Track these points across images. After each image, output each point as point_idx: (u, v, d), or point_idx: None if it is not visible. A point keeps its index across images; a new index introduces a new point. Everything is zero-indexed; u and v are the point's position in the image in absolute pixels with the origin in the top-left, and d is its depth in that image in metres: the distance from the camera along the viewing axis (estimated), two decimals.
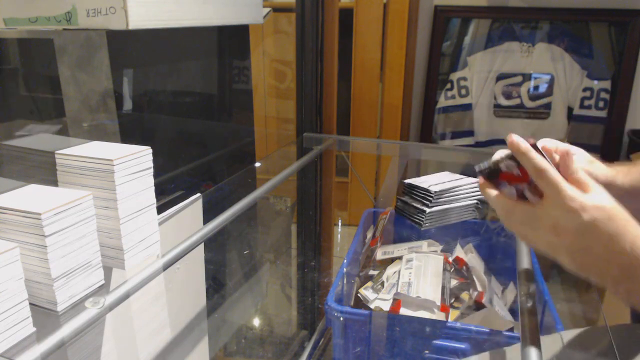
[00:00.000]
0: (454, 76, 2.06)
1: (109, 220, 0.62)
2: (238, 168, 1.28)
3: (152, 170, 0.66)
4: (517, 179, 0.56)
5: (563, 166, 0.56)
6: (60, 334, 0.55)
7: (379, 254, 1.18)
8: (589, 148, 2.06)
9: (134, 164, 0.62)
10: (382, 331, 0.94)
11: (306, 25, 1.45)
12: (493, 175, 0.58)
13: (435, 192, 1.11)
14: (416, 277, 1.02)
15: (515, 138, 0.55)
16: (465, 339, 0.86)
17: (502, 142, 2.08)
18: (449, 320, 0.93)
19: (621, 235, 0.49)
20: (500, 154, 0.59)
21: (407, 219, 1.17)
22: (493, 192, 0.58)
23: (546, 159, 0.54)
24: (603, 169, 0.63)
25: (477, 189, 1.17)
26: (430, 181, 1.16)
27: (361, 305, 1.05)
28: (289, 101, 2.26)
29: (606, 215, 0.50)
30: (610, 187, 0.60)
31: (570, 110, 1.99)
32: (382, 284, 1.07)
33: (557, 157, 0.58)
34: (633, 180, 0.64)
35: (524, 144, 0.54)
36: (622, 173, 0.64)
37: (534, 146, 0.55)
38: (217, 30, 1.16)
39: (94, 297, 0.59)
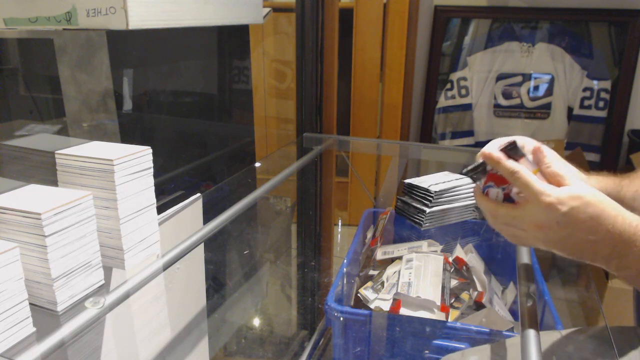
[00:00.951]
0: (454, 76, 2.06)
1: (109, 220, 0.62)
2: (238, 168, 1.28)
3: (152, 170, 0.66)
4: (503, 180, 0.58)
5: (537, 162, 0.59)
6: (60, 334, 0.55)
7: (379, 254, 1.18)
8: (589, 148, 2.07)
9: (134, 164, 0.62)
10: (382, 331, 0.94)
11: (306, 25, 1.45)
12: (479, 176, 0.60)
13: (435, 192, 1.11)
14: (416, 277, 1.02)
15: (487, 150, 0.59)
16: (465, 339, 0.86)
17: None
18: (449, 320, 0.93)
19: (601, 217, 0.52)
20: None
21: (407, 219, 1.17)
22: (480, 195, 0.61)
23: (523, 157, 0.58)
24: (575, 173, 0.65)
25: None
26: (430, 181, 1.15)
27: (361, 305, 1.05)
28: (289, 101, 2.26)
29: (583, 202, 0.52)
30: None
31: (570, 110, 1.99)
32: (382, 284, 1.07)
33: (530, 157, 0.61)
34: (608, 188, 0.67)
35: (495, 154, 0.58)
36: (595, 180, 0.67)
37: (513, 144, 0.58)
38: (217, 30, 1.16)
39: (94, 297, 0.59)
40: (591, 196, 0.53)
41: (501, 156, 0.58)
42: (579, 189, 0.53)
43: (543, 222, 0.54)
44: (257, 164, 1.34)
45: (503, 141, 0.63)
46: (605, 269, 0.56)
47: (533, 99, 2.01)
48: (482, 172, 0.60)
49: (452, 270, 1.07)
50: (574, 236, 0.54)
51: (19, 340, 0.52)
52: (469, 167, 0.61)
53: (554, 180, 0.56)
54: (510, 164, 0.57)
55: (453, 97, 2.07)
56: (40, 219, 0.51)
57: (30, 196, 0.56)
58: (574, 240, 0.54)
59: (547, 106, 2.01)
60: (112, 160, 0.59)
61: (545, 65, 1.97)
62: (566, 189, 0.54)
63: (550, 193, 0.53)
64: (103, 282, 0.61)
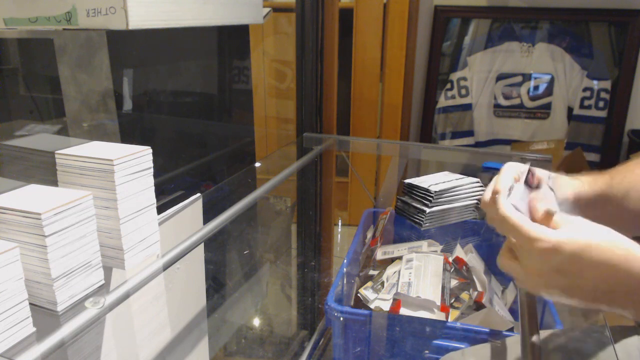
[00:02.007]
0: (454, 76, 2.06)
1: (109, 220, 0.62)
2: (238, 168, 1.28)
3: (152, 170, 0.66)
4: None
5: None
6: (60, 334, 0.55)
7: (379, 254, 1.18)
8: (589, 148, 2.08)
9: (134, 164, 0.62)
10: (382, 331, 0.94)
11: (306, 25, 1.45)
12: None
13: (435, 192, 1.11)
14: (416, 277, 1.02)
15: (485, 197, 0.55)
16: (465, 339, 0.86)
17: (502, 142, 2.09)
18: (449, 320, 0.93)
19: (610, 262, 0.45)
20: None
21: (407, 219, 1.17)
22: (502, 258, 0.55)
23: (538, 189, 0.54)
24: (567, 182, 0.62)
25: (477, 188, 1.17)
26: (430, 181, 1.15)
27: (361, 305, 1.05)
28: (289, 101, 2.27)
29: (585, 245, 0.45)
30: (576, 198, 0.61)
31: (570, 110, 2.00)
32: (382, 284, 1.07)
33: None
34: (597, 189, 0.63)
35: (486, 197, 0.55)
36: (587, 183, 0.63)
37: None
38: (217, 30, 1.16)
39: (94, 297, 0.59)
40: (596, 238, 0.45)
41: (486, 201, 0.53)
42: (580, 232, 0.46)
43: (539, 270, 0.47)
44: (257, 164, 1.34)
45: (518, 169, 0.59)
46: (623, 315, 0.48)
47: (533, 99, 2.02)
48: None
49: (452, 270, 1.07)
50: (580, 286, 0.46)
51: (19, 340, 0.52)
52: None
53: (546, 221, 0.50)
54: (501, 207, 0.51)
55: (453, 97, 2.07)
56: (40, 219, 0.51)
57: (30, 196, 0.56)
58: (583, 290, 0.47)
59: (547, 106, 2.01)
60: (112, 160, 0.59)
61: (545, 65, 1.97)
62: (564, 231, 0.46)
63: (545, 237, 0.46)
64: (103, 282, 0.61)
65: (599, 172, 0.64)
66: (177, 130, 1.07)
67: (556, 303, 0.92)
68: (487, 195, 0.56)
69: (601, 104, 1.94)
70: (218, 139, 1.23)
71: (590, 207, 0.61)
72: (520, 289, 0.66)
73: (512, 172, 0.59)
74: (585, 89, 1.95)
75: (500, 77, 2.02)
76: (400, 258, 1.13)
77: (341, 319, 0.93)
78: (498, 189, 0.55)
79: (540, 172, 0.61)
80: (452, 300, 1.01)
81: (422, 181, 1.16)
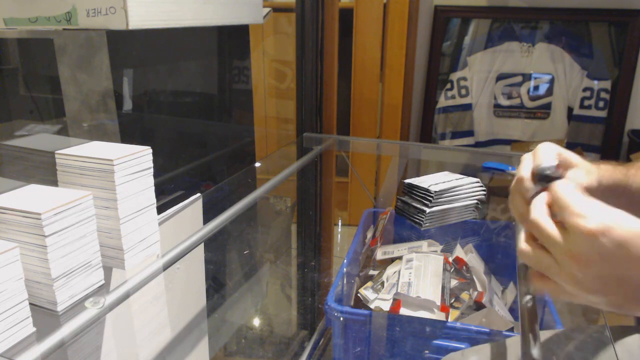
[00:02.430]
0: (454, 76, 2.06)
1: (109, 220, 0.62)
2: (238, 168, 1.28)
3: (152, 170, 0.66)
4: None
5: None
6: (60, 334, 0.55)
7: (379, 254, 1.18)
8: (589, 148, 2.07)
9: (134, 164, 0.62)
10: (382, 331, 0.94)
11: (306, 25, 1.45)
12: (544, 184, 0.52)
13: (435, 192, 1.11)
14: (416, 277, 1.02)
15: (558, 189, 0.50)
16: (465, 339, 0.86)
17: (502, 142, 2.09)
18: (449, 320, 0.93)
19: None
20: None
21: (407, 219, 1.17)
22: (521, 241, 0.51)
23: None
24: (588, 168, 0.61)
25: (477, 188, 1.17)
26: (430, 181, 1.15)
27: (361, 305, 1.05)
28: (289, 101, 2.27)
29: (631, 234, 0.41)
30: (596, 185, 0.60)
31: (570, 110, 2.00)
32: (382, 284, 1.07)
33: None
34: (616, 178, 0.62)
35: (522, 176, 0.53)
36: (605, 170, 0.62)
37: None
38: (217, 30, 1.16)
39: (94, 297, 0.59)
40: None
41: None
42: (630, 219, 0.42)
43: (584, 255, 0.42)
44: (257, 164, 1.34)
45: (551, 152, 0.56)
46: None
47: (533, 99, 2.02)
48: (548, 181, 0.51)
49: (452, 270, 1.07)
50: (624, 278, 0.41)
51: (19, 340, 0.52)
52: (547, 171, 0.52)
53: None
54: (554, 186, 0.47)
55: (453, 97, 2.07)
56: (40, 219, 0.51)
57: (30, 196, 0.56)
58: (626, 284, 0.42)
59: (547, 106, 2.01)
60: (112, 160, 0.59)
61: (545, 65, 1.97)
62: (614, 214, 0.42)
63: (594, 216, 0.42)
64: (103, 282, 0.61)
65: (613, 162, 0.63)
66: (177, 130, 1.07)
67: (556, 303, 0.92)
68: (524, 173, 0.53)
69: (601, 104, 1.94)
70: (218, 139, 1.23)
71: (605, 196, 0.59)
72: (520, 289, 0.66)
73: (553, 150, 0.56)
74: (585, 89, 1.95)
75: (500, 77, 2.02)
76: (400, 258, 1.13)
77: (341, 319, 0.93)
78: (539, 164, 0.53)
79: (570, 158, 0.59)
80: (452, 300, 1.01)
81: (422, 181, 1.16)
